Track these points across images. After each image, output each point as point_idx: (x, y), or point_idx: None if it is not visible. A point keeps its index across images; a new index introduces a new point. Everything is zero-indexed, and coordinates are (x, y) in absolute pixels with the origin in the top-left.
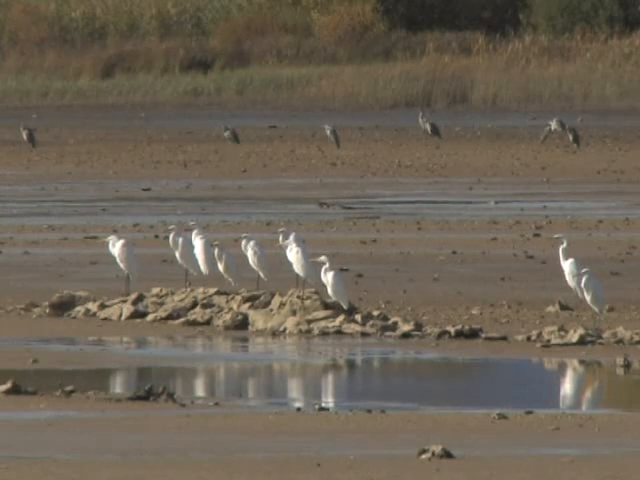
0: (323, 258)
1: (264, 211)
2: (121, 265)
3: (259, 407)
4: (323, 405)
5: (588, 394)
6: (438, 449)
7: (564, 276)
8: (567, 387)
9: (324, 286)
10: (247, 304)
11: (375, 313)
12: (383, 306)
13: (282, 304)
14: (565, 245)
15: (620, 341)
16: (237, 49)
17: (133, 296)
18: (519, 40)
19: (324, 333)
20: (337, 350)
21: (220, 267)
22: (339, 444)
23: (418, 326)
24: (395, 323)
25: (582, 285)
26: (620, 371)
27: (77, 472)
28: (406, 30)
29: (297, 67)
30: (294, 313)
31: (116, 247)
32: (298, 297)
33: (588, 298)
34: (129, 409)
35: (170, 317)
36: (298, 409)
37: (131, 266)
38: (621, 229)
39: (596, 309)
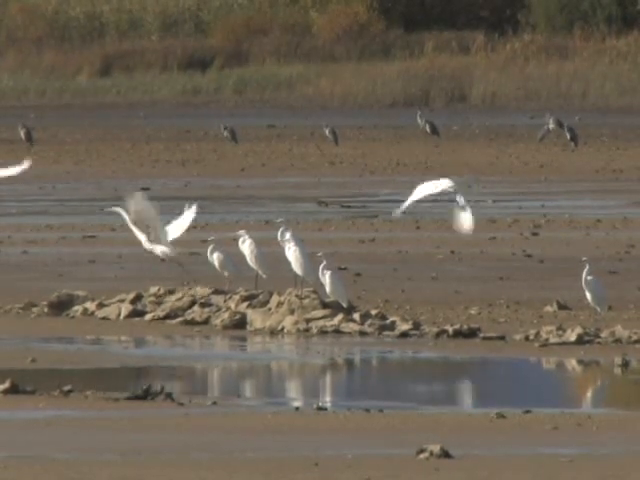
0: (320, 254)
1: (263, 210)
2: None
3: (257, 406)
4: (321, 404)
5: (586, 393)
6: (436, 448)
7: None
8: (565, 386)
9: (322, 285)
10: (245, 303)
11: (373, 312)
12: (381, 305)
13: (280, 303)
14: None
15: (618, 340)
16: (236, 48)
17: (131, 295)
18: (518, 39)
19: (322, 332)
20: (335, 349)
21: (216, 266)
22: (337, 443)
23: (416, 325)
24: (393, 322)
25: (583, 284)
26: (618, 370)
27: (76, 471)
28: (405, 29)
29: (295, 66)
30: (292, 312)
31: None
32: (296, 296)
33: (589, 297)
34: (127, 408)
35: (168, 316)
36: (296, 408)
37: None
38: (619, 228)
39: (598, 308)
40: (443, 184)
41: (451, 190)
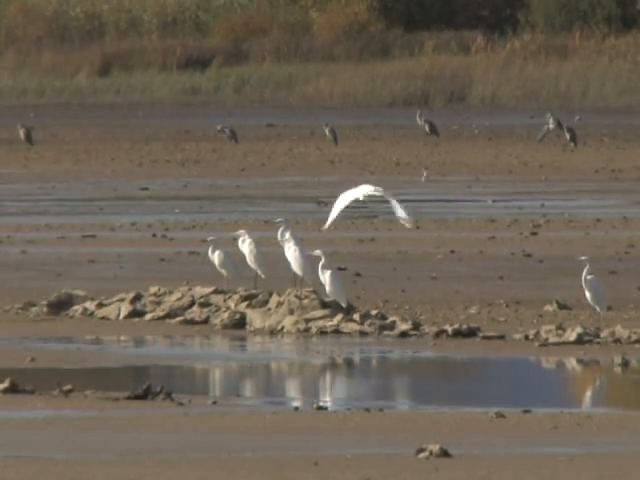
0: (318, 252)
1: (262, 210)
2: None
3: (257, 406)
4: (321, 404)
5: (586, 393)
6: (436, 448)
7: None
8: (565, 386)
9: (322, 285)
10: (245, 303)
11: (373, 312)
12: (381, 305)
13: (280, 303)
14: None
15: (618, 340)
16: (235, 47)
17: (131, 295)
18: (517, 39)
19: (322, 332)
20: (335, 349)
21: (216, 264)
22: (337, 443)
23: (416, 325)
24: (393, 322)
25: (582, 283)
26: (618, 370)
27: (75, 471)
28: (404, 29)
29: (295, 65)
30: (292, 312)
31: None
32: (296, 296)
33: (589, 296)
34: (127, 408)
35: (168, 316)
36: (296, 408)
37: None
38: (619, 228)
39: (597, 308)
40: (365, 190)
41: (377, 194)
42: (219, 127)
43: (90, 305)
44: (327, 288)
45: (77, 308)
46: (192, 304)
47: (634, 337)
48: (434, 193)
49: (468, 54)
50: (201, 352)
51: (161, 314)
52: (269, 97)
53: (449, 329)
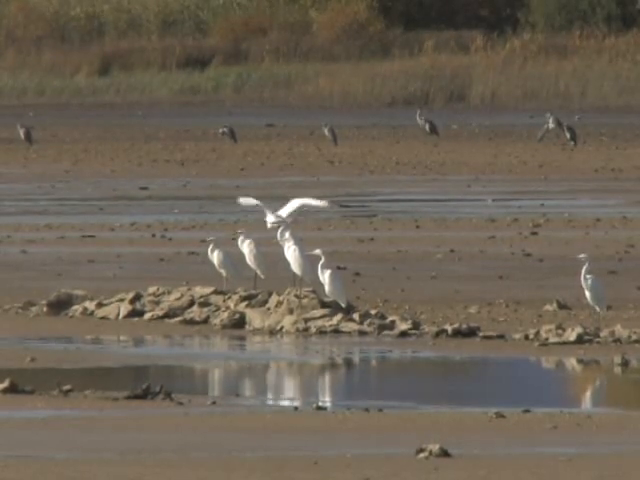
0: (318, 251)
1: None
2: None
3: (257, 406)
4: (321, 404)
5: (586, 393)
6: (435, 448)
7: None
8: (565, 386)
9: (321, 284)
10: (244, 303)
11: (373, 312)
12: (381, 305)
13: (279, 303)
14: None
15: (618, 340)
16: (235, 47)
17: (130, 295)
18: (517, 38)
19: (321, 332)
20: (334, 349)
21: (215, 264)
22: (337, 443)
23: (416, 325)
24: (393, 322)
25: (582, 283)
26: (618, 370)
27: (75, 471)
28: (404, 28)
29: (295, 65)
30: (291, 312)
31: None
32: (295, 296)
33: (588, 296)
34: (127, 408)
35: (167, 316)
36: (296, 408)
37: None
38: (619, 227)
39: (597, 308)
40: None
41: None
42: (220, 130)
43: (90, 305)
44: (327, 288)
45: (77, 308)
46: (192, 304)
47: (634, 337)
48: (434, 192)
49: (468, 54)
50: (200, 352)
51: (160, 314)
52: (269, 97)
53: (449, 329)
